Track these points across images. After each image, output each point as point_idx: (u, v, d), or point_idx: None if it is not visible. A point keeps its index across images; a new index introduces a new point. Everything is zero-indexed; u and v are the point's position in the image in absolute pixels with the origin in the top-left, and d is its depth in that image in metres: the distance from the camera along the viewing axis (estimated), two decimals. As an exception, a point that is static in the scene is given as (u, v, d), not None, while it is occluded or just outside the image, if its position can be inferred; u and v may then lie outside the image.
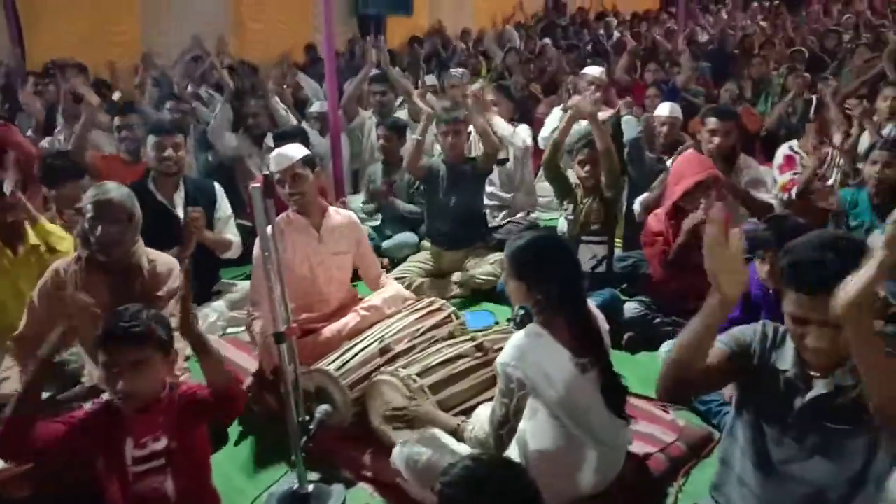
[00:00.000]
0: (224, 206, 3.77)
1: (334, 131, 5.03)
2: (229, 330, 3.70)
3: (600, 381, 2.14)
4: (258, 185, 2.19)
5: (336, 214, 3.21)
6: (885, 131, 4.50)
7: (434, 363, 2.66)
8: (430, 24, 11.11)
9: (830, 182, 4.27)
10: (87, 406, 2.19)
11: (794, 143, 4.45)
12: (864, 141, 4.41)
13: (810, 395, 1.69)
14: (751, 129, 5.54)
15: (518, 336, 2.13)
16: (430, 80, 6.72)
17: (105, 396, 2.07)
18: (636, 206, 3.92)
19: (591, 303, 2.36)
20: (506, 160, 4.67)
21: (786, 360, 1.74)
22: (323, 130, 5.42)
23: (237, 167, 5.02)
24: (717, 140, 3.75)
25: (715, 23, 11.19)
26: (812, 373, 1.70)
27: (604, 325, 2.27)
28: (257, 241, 2.65)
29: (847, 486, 1.69)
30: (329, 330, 3.04)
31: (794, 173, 4.23)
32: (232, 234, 3.72)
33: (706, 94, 6.51)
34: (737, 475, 1.87)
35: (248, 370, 3.08)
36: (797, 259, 1.61)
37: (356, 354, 2.77)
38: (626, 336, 3.44)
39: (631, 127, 4.19)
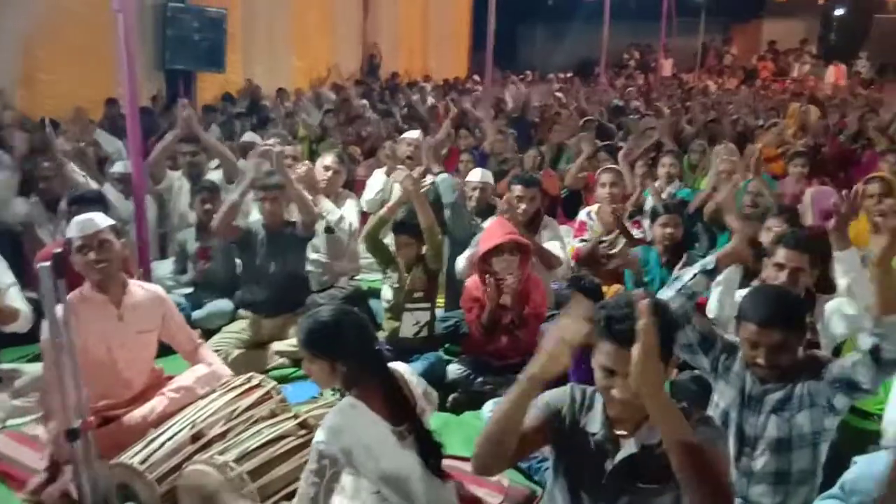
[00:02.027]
0: (2, 277, 3.33)
1: (138, 193, 4.69)
2: (10, 422, 3.23)
3: (418, 447, 2.13)
4: (46, 262, 1.97)
5: (138, 289, 2.98)
6: (664, 195, 5.09)
7: (253, 446, 2.50)
8: (244, 81, 10.91)
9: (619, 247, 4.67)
10: None
11: (593, 208, 4.86)
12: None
13: (619, 455, 1.77)
14: (552, 192, 5.97)
15: (333, 412, 2.08)
16: (250, 136, 6.54)
17: None
18: (458, 265, 4.04)
19: (409, 367, 2.38)
20: (333, 230, 4.63)
21: (595, 422, 1.82)
22: (126, 192, 5.04)
23: (26, 235, 4.50)
24: (523, 206, 4.01)
25: (517, 92, 12.11)
26: (619, 433, 1.79)
27: (417, 388, 2.28)
28: (45, 323, 2.36)
29: None
30: (132, 417, 2.77)
31: (582, 240, 4.61)
32: (20, 303, 3.28)
33: (512, 159, 6.93)
34: (559, 537, 1.92)
35: (35, 469, 2.70)
36: (611, 313, 1.70)
37: (164, 443, 2.53)
38: (450, 398, 3.49)
39: (447, 187, 4.34)
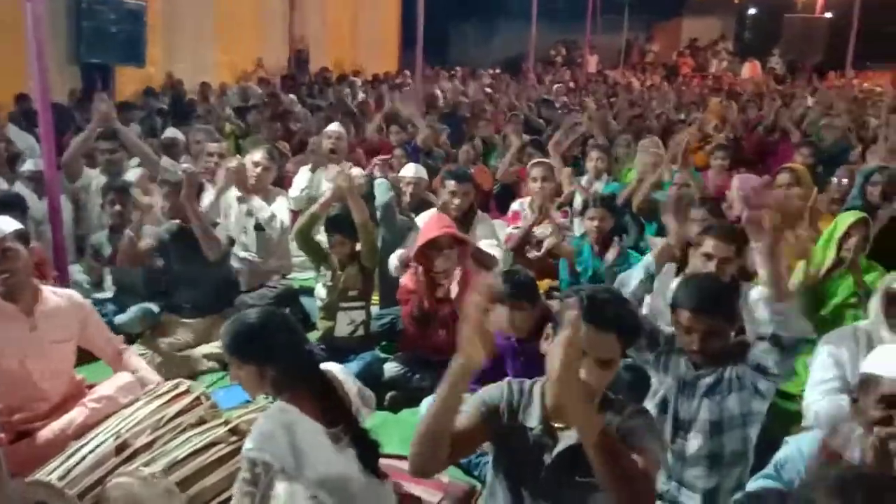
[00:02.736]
0: None
1: (52, 193, 4.43)
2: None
3: (355, 448, 2.08)
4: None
5: (53, 295, 2.79)
6: (592, 189, 5.17)
7: (182, 455, 2.39)
8: (165, 75, 10.52)
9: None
10: None
11: (526, 200, 4.89)
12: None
13: (557, 448, 1.77)
14: (484, 186, 5.99)
15: (263, 417, 2.02)
16: (172, 133, 6.29)
17: None
18: (392, 262, 3.99)
19: (342, 367, 2.32)
20: (264, 228, 4.49)
21: (533, 417, 1.81)
22: (39, 191, 4.77)
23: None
24: (456, 201, 4.00)
25: (454, 88, 12.12)
26: (557, 426, 1.79)
27: (351, 389, 2.23)
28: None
29: None
30: (50, 430, 2.61)
31: (516, 227, 4.65)
32: None
33: (446, 155, 6.94)
34: (500, 532, 1.91)
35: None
36: (591, 295, 1.74)
37: (85, 456, 2.39)
38: (387, 396, 3.44)
39: (383, 190, 4.30)
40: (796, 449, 1.89)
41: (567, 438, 1.77)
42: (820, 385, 2.61)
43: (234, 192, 4.51)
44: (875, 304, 2.69)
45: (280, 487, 1.97)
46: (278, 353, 2.04)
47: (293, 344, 2.10)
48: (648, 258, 2.62)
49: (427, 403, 3.17)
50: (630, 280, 2.54)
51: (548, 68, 17.49)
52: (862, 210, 3.86)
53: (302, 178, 5.18)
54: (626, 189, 5.01)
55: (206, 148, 5.32)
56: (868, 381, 1.76)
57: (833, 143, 6.99)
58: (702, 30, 20.09)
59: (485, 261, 3.94)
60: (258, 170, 4.54)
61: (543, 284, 4.24)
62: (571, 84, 14.04)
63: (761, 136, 7.80)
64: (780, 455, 1.93)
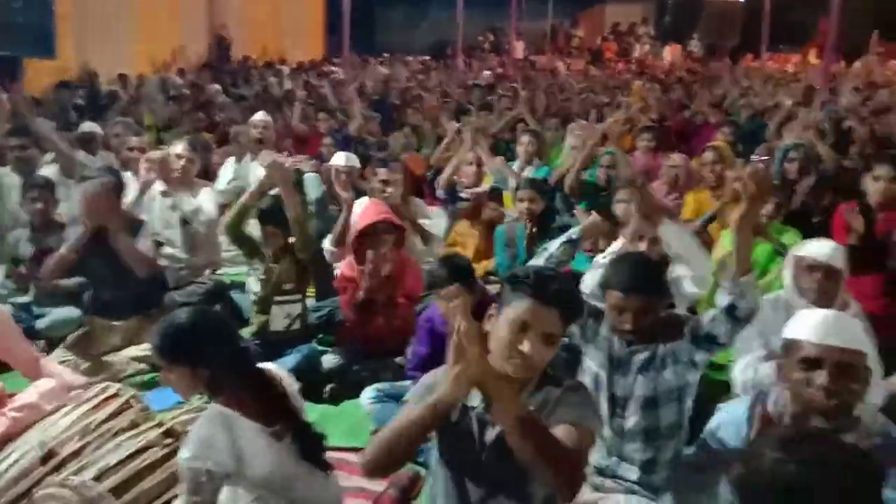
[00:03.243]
0: None
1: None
2: None
3: (298, 444, 2.05)
4: None
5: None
6: (524, 173, 5.22)
7: (114, 462, 2.29)
8: (79, 67, 10.04)
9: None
10: None
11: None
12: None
13: (499, 426, 1.76)
14: (416, 173, 5.96)
15: (199, 423, 1.95)
16: (89, 126, 6.00)
17: None
18: (326, 245, 3.94)
19: (277, 365, 2.28)
20: (190, 222, 4.35)
21: (475, 396, 1.80)
22: (-58, 192, 4.49)
23: None
24: (389, 189, 3.98)
25: (386, 75, 12.01)
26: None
27: (290, 385, 2.19)
28: None
29: None
30: (-33, 444, 2.45)
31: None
32: None
33: (378, 142, 6.87)
34: (443, 517, 1.91)
35: None
36: (536, 271, 1.77)
37: (9, 468, 2.28)
38: (327, 388, 3.40)
39: (313, 185, 4.22)
40: (728, 415, 1.96)
41: None
42: (746, 354, 2.72)
43: (157, 187, 4.35)
44: (787, 273, 2.83)
45: (224, 493, 1.91)
46: (211, 353, 1.97)
47: (227, 343, 2.04)
48: (575, 229, 2.65)
49: (368, 394, 3.15)
50: (551, 246, 2.56)
51: (476, 54, 17.55)
52: (780, 185, 4.04)
53: (228, 170, 5.04)
54: (557, 171, 5.09)
55: (127, 142, 5.11)
56: (790, 346, 1.83)
57: (750, 121, 7.27)
58: (624, 15, 20.53)
59: (424, 234, 3.94)
60: (181, 162, 4.39)
61: (480, 268, 4.28)
62: (500, 70, 14.13)
63: (684, 118, 8.04)
64: (713, 422, 2.00)
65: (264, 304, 3.59)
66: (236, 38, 14.25)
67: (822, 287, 2.67)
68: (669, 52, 17.93)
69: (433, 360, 2.40)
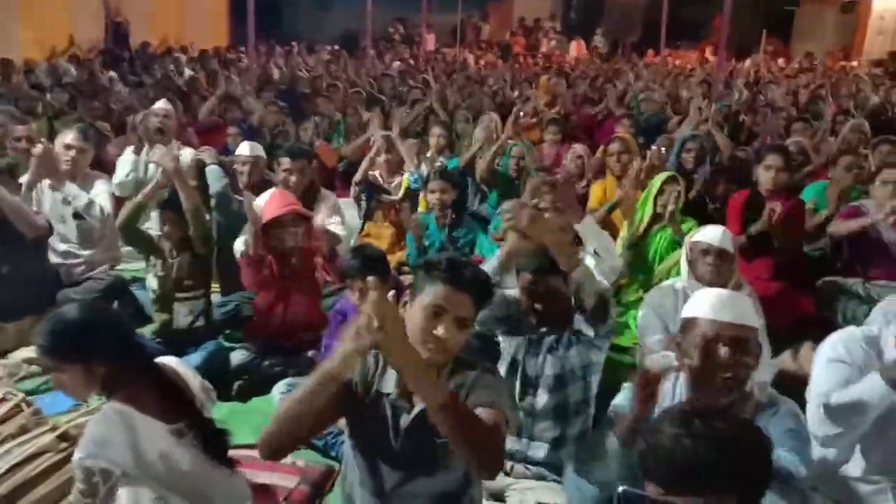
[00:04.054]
0: None
1: None
2: None
3: (200, 442, 1.98)
4: None
5: None
6: (437, 164, 5.25)
7: (3, 469, 2.17)
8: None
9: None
10: None
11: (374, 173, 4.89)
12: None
13: (415, 411, 1.79)
14: (328, 164, 5.88)
15: (93, 422, 1.86)
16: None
17: None
18: (238, 246, 3.82)
19: (179, 360, 2.22)
20: (83, 217, 4.10)
21: (389, 382, 1.82)
22: None
23: None
24: (293, 179, 3.89)
25: (286, 63, 11.73)
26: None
27: (193, 381, 2.13)
28: None
29: (451, 499, 1.83)
30: None
31: None
32: None
33: (284, 133, 6.71)
34: (359, 506, 1.90)
35: None
36: (449, 257, 1.80)
37: None
38: (235, 385, 3.31)
39: (216, 177, 4.08)
40: (631, 392, 2.04)
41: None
42: (648, 340, 2.84)
43: (46, 180, 4.08)
44: (683, 259, 2.98)
45: (122, 494, 1.83)
46: (105, 349, 1.88)
47: (120, 339, 1.94)
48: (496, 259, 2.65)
49: (280, 388, 3.09)
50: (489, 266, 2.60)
51: (386, 45, 17.43)
52: (679, 173, 4.22)
53: (126, 162, 4.79)
54: (464, 157, 5.15)
55: (12, 131, 4.77)
56: (687, 325, 1.92)
57: (651, 114, 7.56)
58: (532, 10, 20.89)
59: (329, 240, 3.89)
60: (71, 153, 4.11)
61: (394, 259, 4.27)
62: (411, 61, 14.11)
63: (589, 112, 8.27)
64: (617, 399, 2.08)
65: (165, 302, 3.43)
66: (135, 24, 13.58)
67: (716, 269, 2.83)
68: (575, 48, 18.40)
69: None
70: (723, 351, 1.80)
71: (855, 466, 2.07)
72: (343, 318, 3.21)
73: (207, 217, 3.68)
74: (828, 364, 2.06)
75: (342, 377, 1.62)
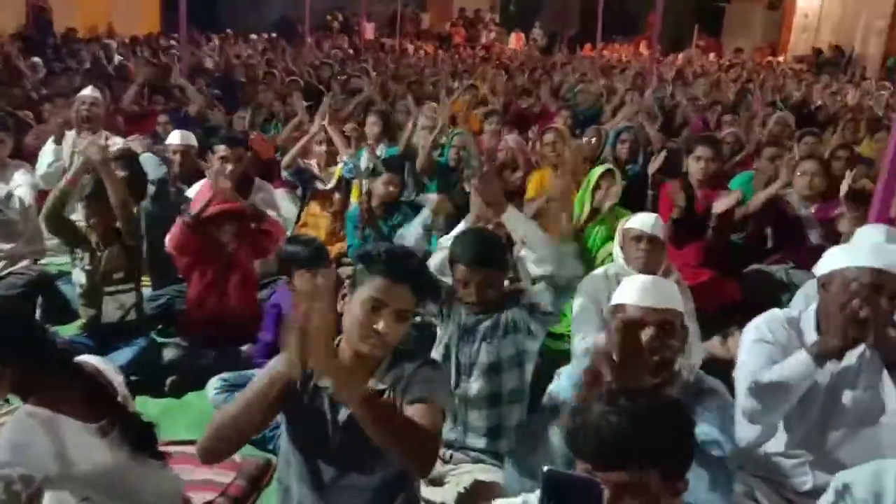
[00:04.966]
0: None
1: None
2: None
3: (126, 438, 1.92)
4: None
5: None
6: (378, 152, 5.21)
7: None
8: None
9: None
10: None
11: (311, 162, 4.81)
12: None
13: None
14: (263, 154, 5.75)
15: (7, 427, 1.78)
16: None
17: None
18: (169, 243, 3.71)
19: (100, 358, 2.13)
20: (1, 210, 3.91)
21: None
22: None
23: None
24: (228, 166, 3.82)
25: (219, 51, 11.44)
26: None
27: (115, 377, 2.06)
28: None
29: (390, 491, 1.83)
30: None
31: None
32: None
33: (217, 122, 6.55)
34: (296, 500, 1.87)
35: None
36: (387, 249, 1.79)
37: None
38: (168, 381, 3.23)
39: (152, 165, 3.95)
40: (566, 380, 2.07)
41: None
42: (581, 327, 2.89)
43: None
44: (616, 246, 3.05)
45: (46, 498, 1.76)
46: (15, 349, 1.78)
47: (33, 338, 1.85)
48: (426, 212, 2.70)
49: (214, 383, 3.02)
50: (408, 234, 2.61)
51: (325, 34, 17.19)
52: (613, 164, 4.31)
53: (48, 152, 4.59)
54: (402, 142, 5.15)
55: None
56: (615, 310, 1.97)
57: (588, 107, 7.69)
58: (472, 2, 20.93)
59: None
60: (-13, 143, 3.93)
61: (333, 251, 4.22)
62: (350, 51, 13.95)
63: (525, 103, 8.34)
64: (551, 386, 2.11)
65: (93, 296, 3.30)
66: (60, 9, 12.99)
67: (647, 256, 2.90)
68: (515, 40, 18.55)
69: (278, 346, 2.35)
70: (647, 335, 1.84)
71: (777, 442, 2.16)
72: (278, 311, 3.16)
73: (136, 208, 3.56)
74: (753, 345, 2.14)
75: (286, 380, 1.62)
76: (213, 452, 1.71)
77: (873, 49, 14.25)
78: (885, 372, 2.02)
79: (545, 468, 1.11)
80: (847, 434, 2.11)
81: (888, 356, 1.97)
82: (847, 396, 2.10)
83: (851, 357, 2.07)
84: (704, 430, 1.72)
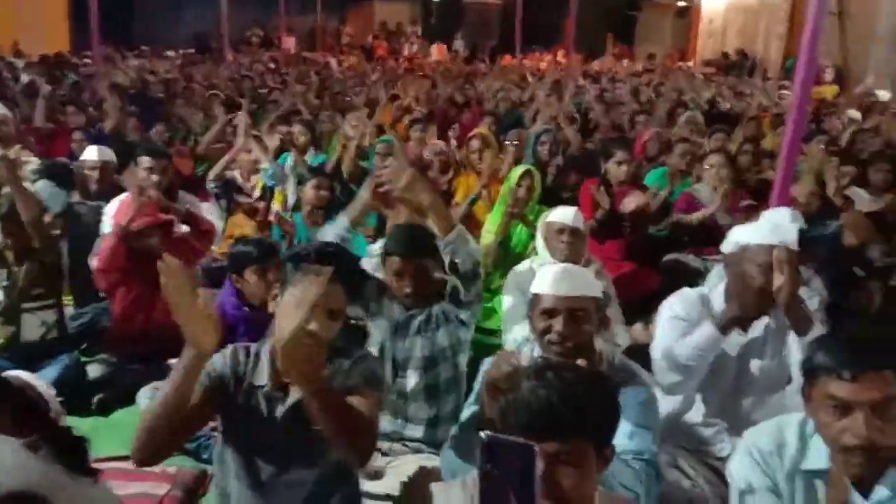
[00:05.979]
0: None
1: None
2: None
3: (57, 453, 1.88)
4: None
5: None
6: (304, 161, 5.20)
7: None
8: None
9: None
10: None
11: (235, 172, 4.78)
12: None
13: (289, 401, 1.79)
14: (184, 171, 5.63)
15: None
16: None
17: None
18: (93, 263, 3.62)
19: (29, 374, 2.12)
20: None
21: (262, 375, 1.81)
22: None
23: None
24: (154, 178, 3.77)
25: (137, 67, 11.16)
26: (287, 380, 1.79)
27: (46, 391, 2.05)
28: None
29: (329, 485, 1.85)
30: None
31: None
32: None
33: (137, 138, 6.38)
34: (235, 501, 1.87)
35: None
36: (319, 247, 1.85)
37: None
38: (95, 399, 3.15)
39: (51, 195, 3.84)
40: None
41: (297, 391, 1.77)
42: (512, 321, 2.98)
43: None
44: (539, 240, 3.16)
45: (-30, 519, 1.70)
46: None
47: None
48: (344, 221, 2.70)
49: (145, 393, 2.97)
50: (326, 234, 2.60)
51: (244, 49, 16.97)
52: (535, 165, 4.46)
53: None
54: (333, 156, 5.15)
55: None
56: (533, 300, 2.03)
57: (508, 113, 7.88)
58: (393, 14, 21.06)
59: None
60: None
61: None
62: (271, 65, 13.82)
63: (449, 111, 8.49)
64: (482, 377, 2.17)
65: (11, 314, 3.19)
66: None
67: (570, 247, 3.03)
68: (437, 51, 18.75)
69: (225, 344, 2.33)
70: (561, 323, 1.91)
71: (696, 413, 2.30)
72: (219, 314, 3.13)
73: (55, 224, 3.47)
74: (668, 321, 2.27)
75: (204, 361, 1.61)
76: (148, 451, 1.67)
77: (774, 52, 15.06)
78: (790, 340, 2.18)
79: (483, 433, 1.16)
80: (757, 401, 2.27)
81: (796, 326, 2.11)
82: (755, 365, 2.26)
83: (758, 328, 2.24)
84: (628, 430, 1.79)
